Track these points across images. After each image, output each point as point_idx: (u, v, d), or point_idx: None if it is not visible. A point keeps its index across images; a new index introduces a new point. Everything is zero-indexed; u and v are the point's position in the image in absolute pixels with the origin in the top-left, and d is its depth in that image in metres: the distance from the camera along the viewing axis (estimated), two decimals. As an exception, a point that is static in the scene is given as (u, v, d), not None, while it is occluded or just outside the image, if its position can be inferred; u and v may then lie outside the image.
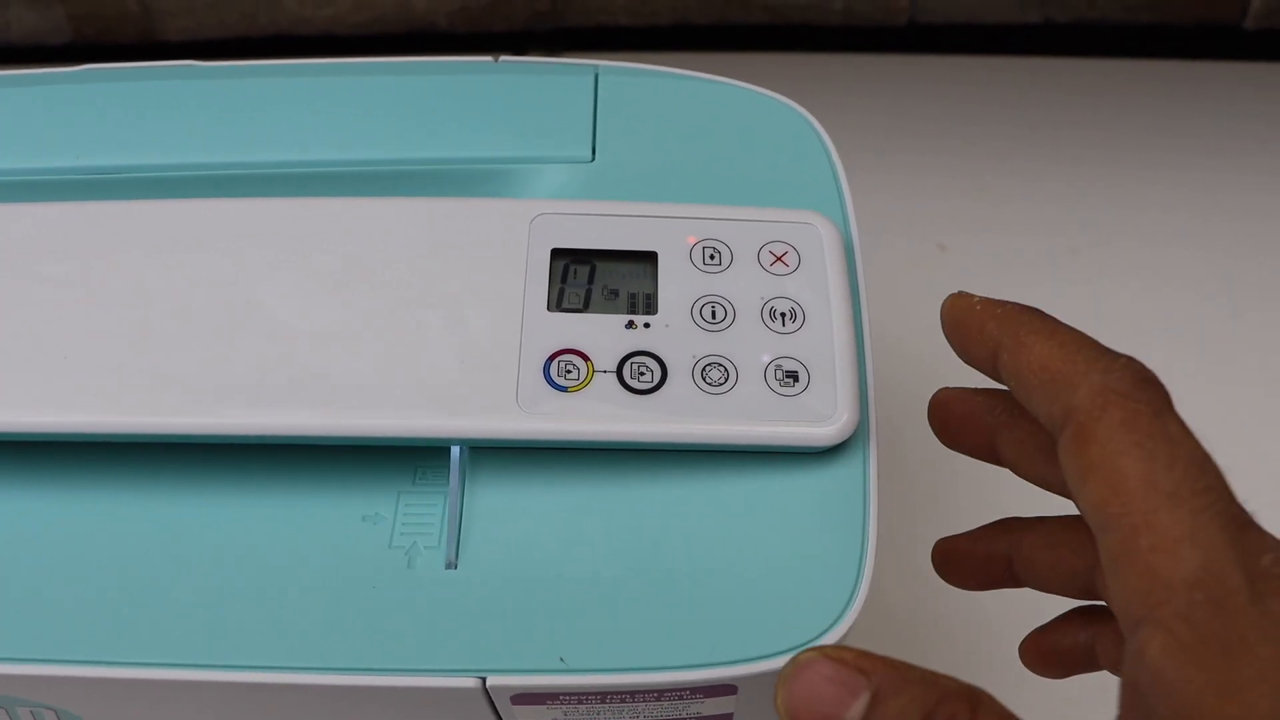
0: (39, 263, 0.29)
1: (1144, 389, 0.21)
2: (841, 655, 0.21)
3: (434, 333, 0.28)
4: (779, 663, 0.25)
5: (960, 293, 0.25)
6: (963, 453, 0.28)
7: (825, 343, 0.28)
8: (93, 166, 0.33)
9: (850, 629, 0.26)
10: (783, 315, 0.29)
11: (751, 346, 0.28)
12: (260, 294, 0.29)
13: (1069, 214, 0.54)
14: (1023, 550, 0.27)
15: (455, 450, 0.28)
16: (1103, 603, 0.26)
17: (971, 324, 0.24)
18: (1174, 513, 0.19)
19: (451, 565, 0.27)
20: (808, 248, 0.30)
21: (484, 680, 0.25)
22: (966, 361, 0.25)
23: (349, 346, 0.28)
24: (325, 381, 0.27)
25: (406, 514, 0.28)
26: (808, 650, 0.22)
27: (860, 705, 0.20)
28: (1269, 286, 0.53)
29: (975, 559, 0.28)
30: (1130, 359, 0.22)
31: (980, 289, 0.26)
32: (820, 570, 0.26)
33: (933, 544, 0.29)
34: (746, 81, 0.35)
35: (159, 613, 0.26)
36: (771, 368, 0.28)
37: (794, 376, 0.28)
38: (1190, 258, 0.54)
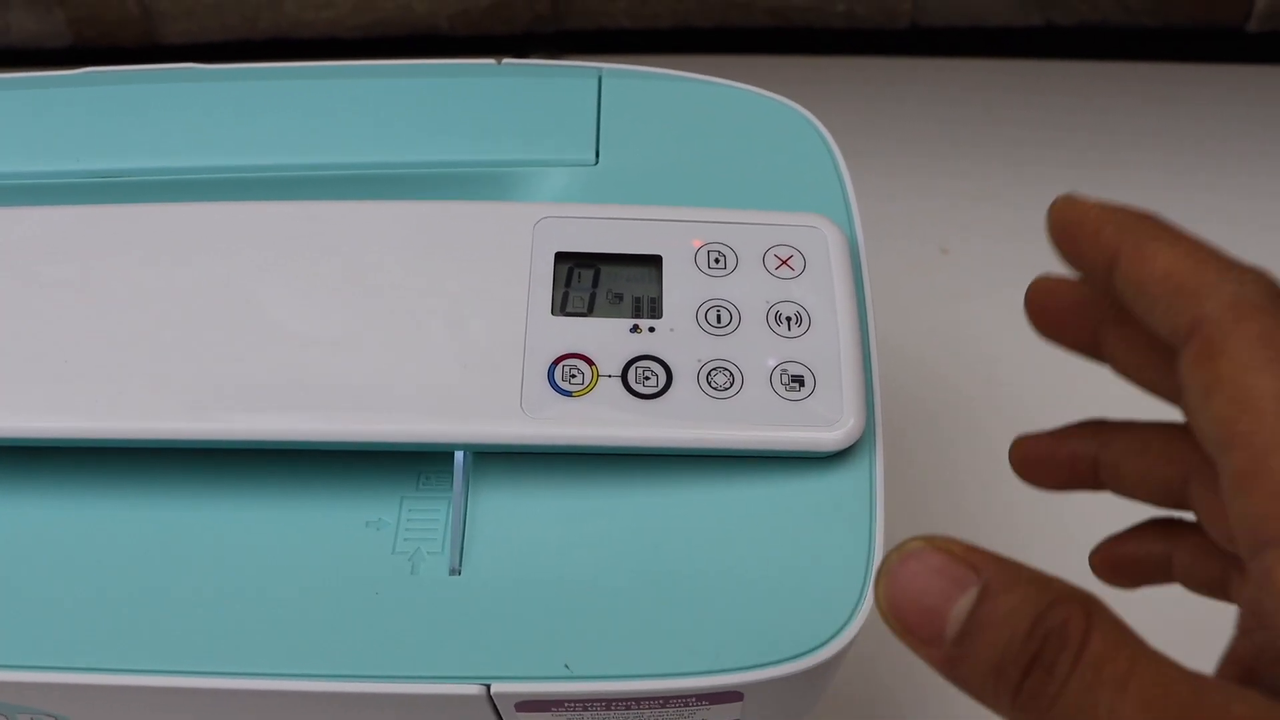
0: (39, 267, 0.29)
1: None
2: (950, 546, 0.20)
3: (437, 337, 0.28)
4: (784, 669, 0.25)
5: (1069, 196, 0.23)
6: (1060, 344, 0.26)
7: (831, 347, 0.28)
8: (93, 170, 0.32)
9: (857, 635, 0.26)
10: (788, 319, 0.29)
11: (757, 351, 0.28)
12: (262, 298, 0.28)
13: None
14: (1111, 453, 0.26)
15: (459, 455, 0.28)
16: (1185, 515, 0.25)
17: (1086, 229, 0.23)
18: None
19: (455, 571, 0.26)
20: (813, 251, 0.30)
21: (488, 687, 0.25)
22: (1076, 268, 0.23)
23: (352, 351, 0.28)
24: (328, 386, 0.27)
25: (410, 519, 0.27)
26: (913, 539, 0.20)
27: (968, 601, 0.19)
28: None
29: (1058, 460, 0.27)
30: (1263, 271, 0.20)
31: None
32: (826, 576, 0.26)
33: (1009, 448, 0.27)
34: (748, 84, 0.35)
35: (161, 619, 0.26)
36: (777, 372, 0.28)
37: (799, 381, 0.28)
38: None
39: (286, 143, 0.33)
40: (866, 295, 0.30)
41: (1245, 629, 0.19)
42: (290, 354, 0.28)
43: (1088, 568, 0.27)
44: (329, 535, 0.27)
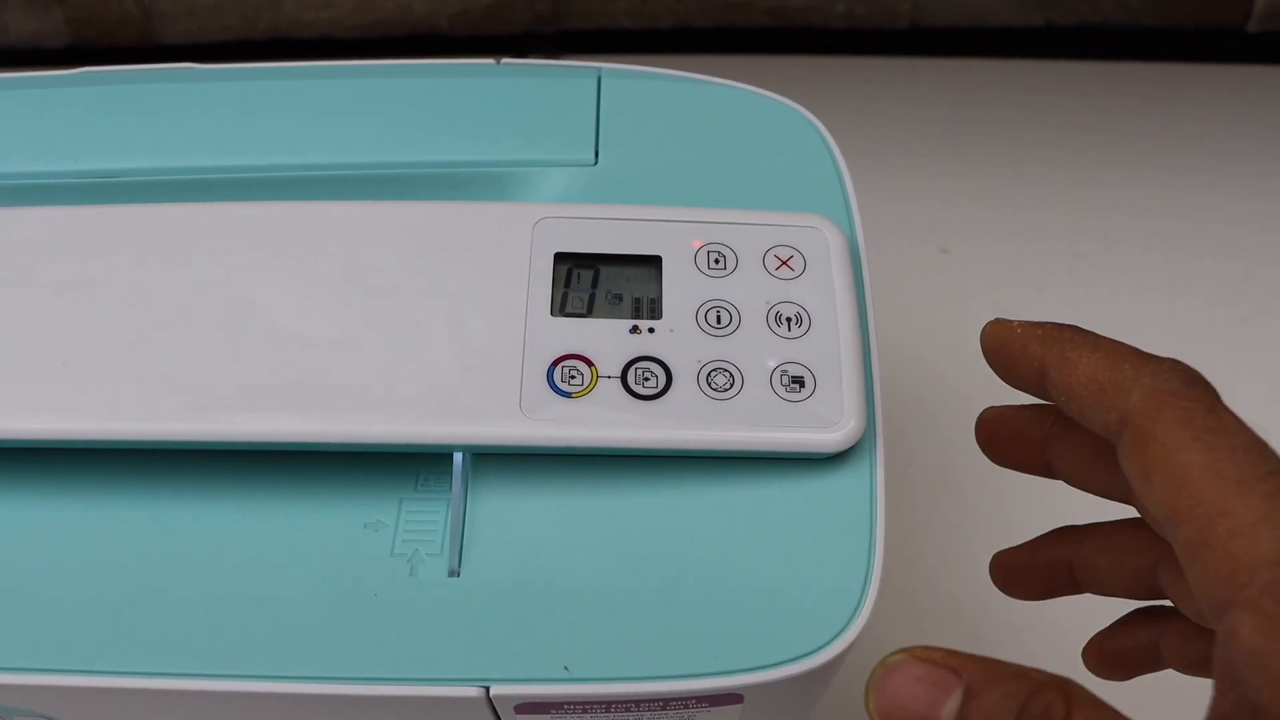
0: (38, 267, 0.29)
1: (1194, 387, 0.22)
2: (930, 655, 0.21)
3: (436, 338, 0.28)
4: (785, 671, 0.25)
5: (998, 320, 0.26)
6: (1014, 469, 0.28)
7: (831, 347, 0.28)
8: (91, 170, 0.32)
9: (857, 638, 0.25)
10: (788, 320, 0.28)
11: (757, 351, 0.28)
12: (261, 298, 0.28)
13: (1072, 218, 0.54)
14: (1083, 554, 0.28)
15: (458, 456, 0.28)
16: (1165, 602, 0.27)
17: (1015, 348, 0.25)
18: (1245, 499, 0.20)
19: (454, 573, 0.26)
20: (813, 252, 0.29)
21: (487, 690, 0.25)
22: (1012, 384, 0.26)
23: (350, 351, 0.27)
24: (326, 387, 0.27)
25: (408, 521, 0.27)
26: (894, 653, 0.21)
27: (954, 703, 0.20)
28: (1275, 289, 0.52)
29: (1036, 569, 0.29)
30: (1175, 361, 0.22)
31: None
32: (827, 577, 0.26)
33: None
34: (747, 84, 0.35)
35: (158, 621, 0.26)
36: (777, 373, 0.28)
37: (800, 382, 0.28)
38: (1195, 261, 0.53)
39: (285, 143, 0.33)
40: (867, 295, 0.30)
41: (1221, 690, 0.20)
42: (288, 354, 0.27)
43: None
44: (327, 537, 0.27)
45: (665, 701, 0.26)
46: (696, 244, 0.30)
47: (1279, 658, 0.18)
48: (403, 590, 0.26)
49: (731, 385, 0.27)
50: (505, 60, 0.35)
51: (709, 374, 0.28)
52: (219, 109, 0.34)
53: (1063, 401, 0.24)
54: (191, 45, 0.62)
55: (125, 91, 0.34)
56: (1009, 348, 0.25)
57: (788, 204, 0.31)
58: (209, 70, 0.35)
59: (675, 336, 0.28)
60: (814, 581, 0.26)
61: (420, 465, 0.28)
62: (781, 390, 0.27)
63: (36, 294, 0.29)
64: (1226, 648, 0.19)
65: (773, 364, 0.28)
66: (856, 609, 0.26)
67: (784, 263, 0.29)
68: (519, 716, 0.26)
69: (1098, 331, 0.24)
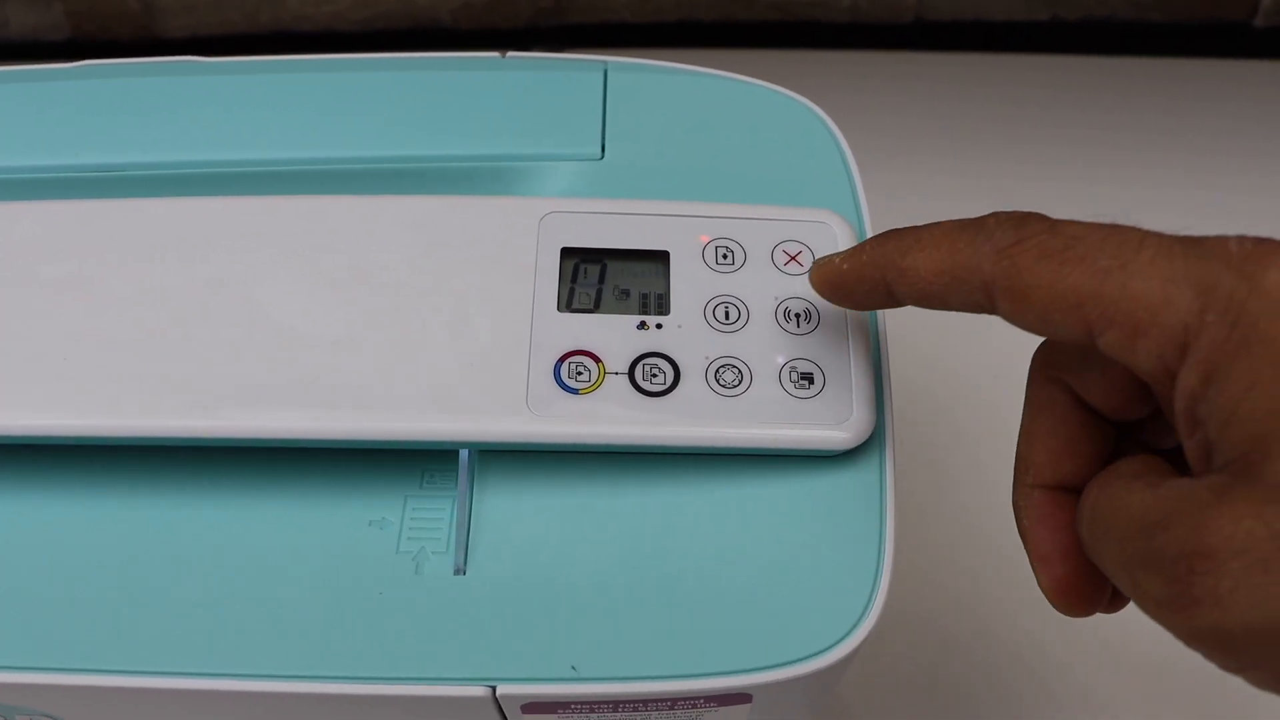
0: (38, 263, 0.29)
1: (1026, 225, 0.22)
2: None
3: (442, 333, 0.27)
4: (794, 671, 0.25)
5: (819, 264, 0.27)
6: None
7: (840, 344, 0.28)
8: (91, 164, 0.32)
9: (868, 636, 0.25)
10: (797, 316, 0.28)
11: (765, 348, 0.28)
12: (263, 294, 0.28)
13: (1078, 212, 0.53)
14: (1035, 452, 0.26)
15: (464, 453, 0.27)
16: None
17: (849, 280, 0.26)
18: (1143, 278, 0.20)
19: (460, 571, 0.26)
20: (822, 247, 0.29)
21: (494, 689, 0.25)
22: (858, 309, 0.27)
23: (355, 348, 0.27)
24: (330, 383, 0.27)
25: (414, 519, 0.27)
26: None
27: None
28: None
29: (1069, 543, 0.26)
30: (995, 216, 0.23)
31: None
32: (836, 576, 0.26)
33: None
34: (752, 78, 0.35)
35: (160, 620, 0.26)
36: (786, 369, 0.27)
37: (809, 378, 0.27)
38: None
39: (287, 137, 0.32)
40: (876, 291, 0.29)
41: (1188, 434, 0.21)
42: (292, 350, 0.27)
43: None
44: (332, 535, 0.27)
45: (673, 701, 0.25)
46: (704, 239, 0.29)
47: (1221, 394, 0.19)
48: (408, 589, 0.26)
49: (740, 382, 0.27)
50: (510, 54, 0.35)
51: (717, 370, 0.27)
52: (220, 103, 0.33)
53: (919, 303, 0.24)
54: (191, 39, 0.62)
55: (125, 85, 0.34)
56: (843, 283, 0.26)
57: (796, 199, 0.31)
58: (210, 64, 0.35)
59: (683, 332, 0.28)
60: (823, 580, 0.26)
61: (425, 462, 0.28)
62: (790, 387, 0.27)
63: (36, 290, 0.28)
64: (1181, 400, 0.20)
65: (781, 360, 0.27)
66: (866, 608, 0.26)
67: (792, 258, 0.29)
68: (526, 716, 0.26)
69: (920, 226, 0.25)
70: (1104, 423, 0.24)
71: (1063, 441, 0.24)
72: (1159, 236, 0.21)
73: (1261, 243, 0.20)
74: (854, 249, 0.26)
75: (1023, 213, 0.23)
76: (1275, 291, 0.19)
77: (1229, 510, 0.18)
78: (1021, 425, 0.25)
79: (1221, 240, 0.20)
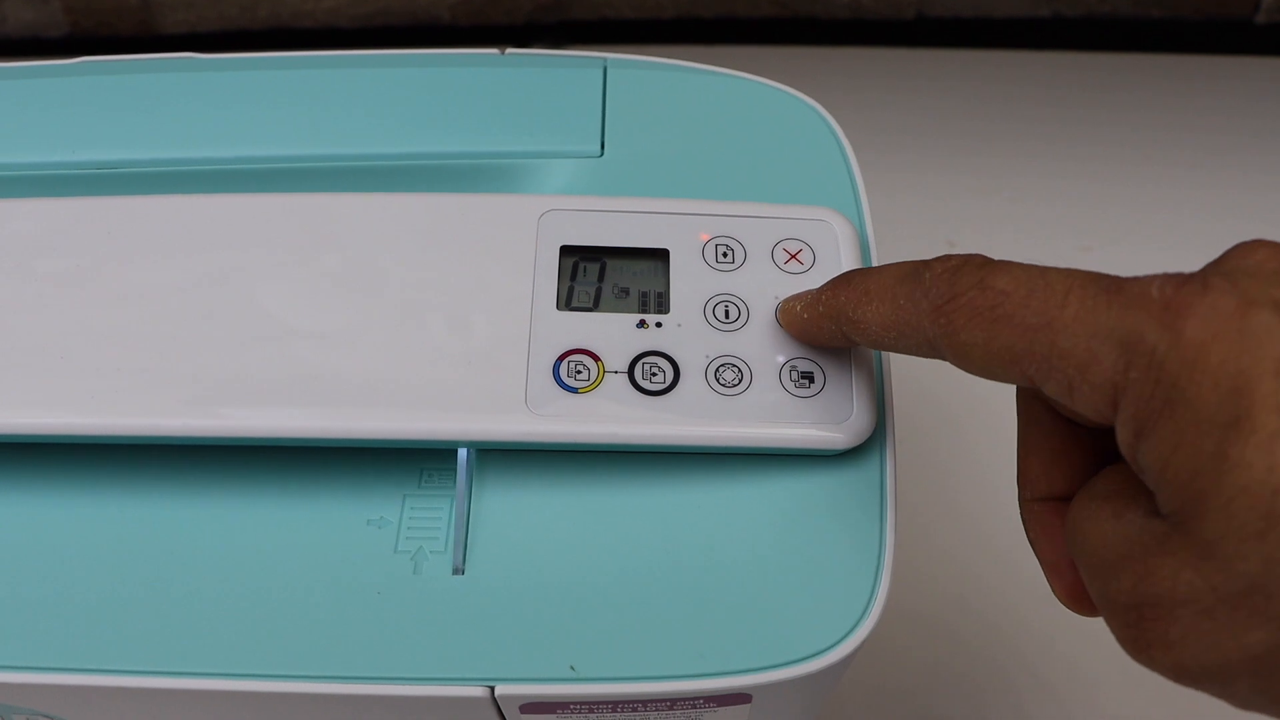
0: (36, 260, 0.29)
1: (960, 277, 0.22)
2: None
3: (440, 332, 0.27)
4: (794, 671, 0.25)
5: (784, 307, 0.27)
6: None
7: (841, 342, 0.28)
8: (90, 161, 0.32)
9: (868, 636, 0.25)
10: (797, 314, 0.28)
11: (766, 347, 0.28)
12: (262, 292, 0.28)
13: (1080, 210, 0.54)
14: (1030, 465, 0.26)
15: (462, 452, 0.27)
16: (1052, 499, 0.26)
17: (812, 328, 0.27)
18: (1075, 325, 0.20)
19: (458, 571, 0.26)
20: (823, 245, 0.29)
21: (492, 689, 0.25)
22: (823, 347, 0.27)
23: (353, 346, 0.27)
24: (329, 381, 0.27)
25: (412, 518, 0.27)
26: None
27: None
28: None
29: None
30: (931, 270, 0.23)
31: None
32: (836, 576, 0.26)
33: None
34: (752, 75, 0.34)
35: (159, 619, 0.26)
36: (786, 368, 0.27)
37: (809, 377, 0.27)
38: (1202, 254, 0.53)
39: (286, 134, 0.32)
40: (877, 290, 0.29)
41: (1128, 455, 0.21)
42: (291, 349, 0.27)
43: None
44: (329, 534, 0.27)
45: (672, 701, 0.25)
46: (704, 237, 0.29)
47: (1152, 451, 0.19)
48: (406, 588, 0.26)
49: (740, 380, 0.27)
50: (509, 50, 0.35)
51: (717, 369, 0.27)
52: (219, 99, 0.33)
53: (878, 349, 0.25)
54: (190, 35, 0.62)
55: (124, 81, 0.34)
56: (807, 330, 0.27)
57: (796, 196, 0.31)
58: (209, 60, 0.34)
59: (683, 331, 0.28)
60: (823, 580, 0.26)
61: (424, 461, 0.28)
62: (791, 386, 0.27)
63: (35, 287, 0.28)
64: (1122, 447, 0.21)
65: (782, 359, 0.27)
66: (866, 609, 0.25)
67: (793, 256, 0.29)
68: (524, 716, 0.26)
69: (860, 271, 0.25)
70: (1091, 431, 0.24)
71: (1051, 454, 0.25)
72: (1084, 284, 0.21)
73: (1182, 286, 0.20)
74: (812, 298, 0.26)
75: (958, 261, 0.23)
76: (1194, 345, 0.19)
77: (1170, 560, 0.19)
78: (1016, 439, 0.26)
79: (1145, 285, 0.20)
